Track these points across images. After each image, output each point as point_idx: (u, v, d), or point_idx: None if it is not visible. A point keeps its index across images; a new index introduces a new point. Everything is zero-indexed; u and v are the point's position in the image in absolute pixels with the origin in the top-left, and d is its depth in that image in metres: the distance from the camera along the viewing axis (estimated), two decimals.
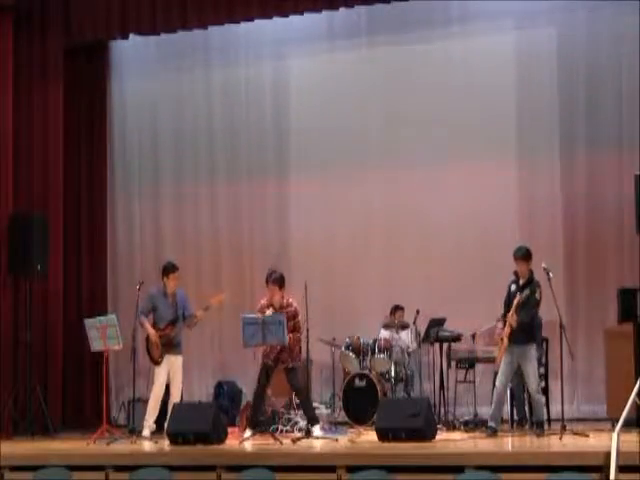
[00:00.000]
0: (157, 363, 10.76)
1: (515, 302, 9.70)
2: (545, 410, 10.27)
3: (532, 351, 9.82)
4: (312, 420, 10.25)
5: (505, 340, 9.72)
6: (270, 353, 10.25)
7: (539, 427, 9.75)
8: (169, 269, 10.90)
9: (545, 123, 12.29)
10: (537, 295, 9.81)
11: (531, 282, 9.85)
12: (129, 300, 11.49)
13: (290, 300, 10.32)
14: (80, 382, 12.98)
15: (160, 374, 10.76)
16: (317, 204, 13.02)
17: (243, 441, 9.76)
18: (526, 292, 9.76)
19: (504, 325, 9.81)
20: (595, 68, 12.10)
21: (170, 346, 10.74)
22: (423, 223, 12.65)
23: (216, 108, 13.62)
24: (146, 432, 10.65)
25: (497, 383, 9.87)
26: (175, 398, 10.76)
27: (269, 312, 10.13)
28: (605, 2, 11.87)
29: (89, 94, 13.56)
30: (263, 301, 10.35)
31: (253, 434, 10.06)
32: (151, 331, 10.72)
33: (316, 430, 10.14)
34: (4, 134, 12.25)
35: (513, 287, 9.96)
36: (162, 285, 10.90)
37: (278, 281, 10.24)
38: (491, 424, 9.86)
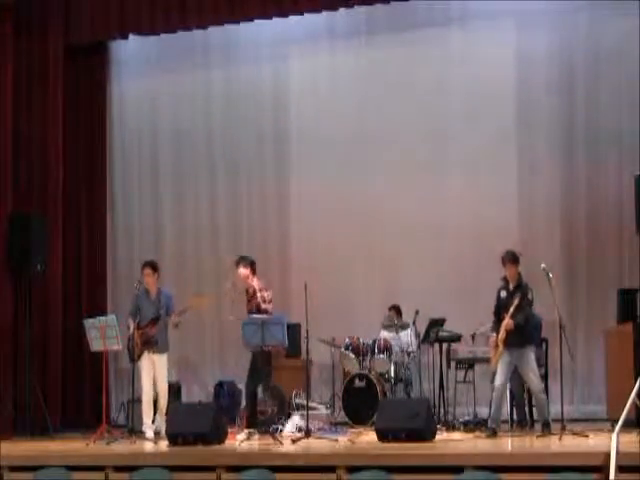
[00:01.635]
0: (133, 360, 10.76)
1: (512, 308, 9.68)
2: (546, 412, 10.22)
3: (530, 354, 9.82)
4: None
5: (501, 346, 9.74)
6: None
7: (546, 427, 9.74)
8: (143, 265, 11.01)
9: (545, 123, 12.30)
10: (529, 296, 9.84)
11: (520, 285, 9.86)
12: (129, 300, 11.48)
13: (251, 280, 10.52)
14: (80, 382, 12.98)
15: (144, 374, 10.77)
16: (317, 205, 13.02)
17: (241, 442, 9.75)
18: (517, 295, 9.78)
19: (497, 333, 9.84)
20: (595, 68, 12.11)
21: (149, 344, 10.72)
22: (423, 223, 12.64)
23: (216, 108, 13.63)
24: (149, 433, 10.67)
25: (496, 384, 9.86)
26: (162, 397, 10.78)
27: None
28: (605, 2, 11.88)
29: (89, 94, 13.55)
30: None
31: (249, 435, 10.07)
32: (132, 330, 10.72)
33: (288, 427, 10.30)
34: (4, 134, 12.26)
35: (503, 293, 9.94)
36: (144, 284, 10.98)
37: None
38: (491, 425, 9.86)
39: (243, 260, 10.63)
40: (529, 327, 9.92)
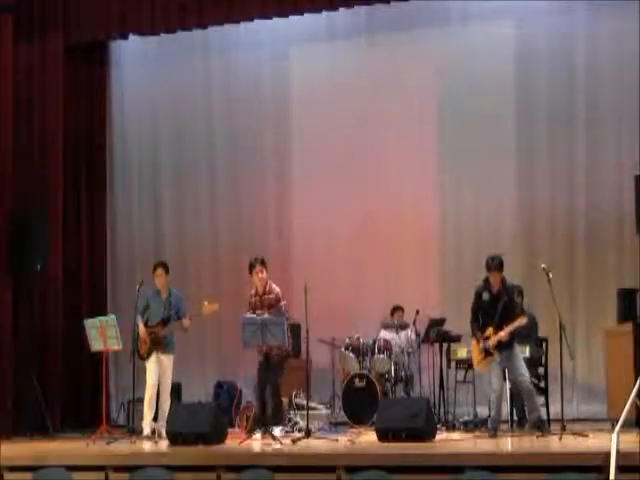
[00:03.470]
0: (142, 358, 10.79)
1: (511, 326, 9.73)
2: (539, 406, 10.21)
3: (514, 352, 9.88)
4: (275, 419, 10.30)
5: (496, 353, 9.81)
6: (260, 350, 10.31)
7: (540, 426, 9.74)
8: (154, 266, 11.03)
9: (545, 122, 12.30)
10: (516, 298, 9.88)
11: (505, 287, 9.89)
12: (129, 300, 11.48)
13: (273, 286, 10.48)
14: (80, 382, 12.95)
15: (151, 373, 10.77)
16: (317, 205, 13.02)
17: (242, 442, 9.73)
18: (504, 300, 9.82)
19: (477, 336, 9.88)
20: (595, 68, 12.11)
21: (158, 344, 10.74)
22: (423, 223, 12.67)
23: (216, 108, 13.63)
24: (147, 430, 10.66)
25: (495, 386, 9.85)
26: (164, 397, 10.78)
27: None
28: (605, 2, 11.88)
29: (89, 94, 13.53)
30: (252, 291, 10.55)
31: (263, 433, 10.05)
32: (141, 329, 10.75)
33: (276, 430, 10.13)
34: (5, 134, 12.25)
35: (485, 295, 9.95)
36: (155, 284, 10.97)
37: (250, 267, 10.50)
38: (491, 426, 9.88)
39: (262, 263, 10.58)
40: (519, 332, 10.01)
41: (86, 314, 11.93)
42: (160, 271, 10.93)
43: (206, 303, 10.72)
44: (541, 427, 9.74)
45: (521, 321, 9.77)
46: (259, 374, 10.49)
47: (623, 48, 11.80)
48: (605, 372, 10.87)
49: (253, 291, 10.59)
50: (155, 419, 10.79)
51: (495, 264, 9.85)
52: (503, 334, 9.74)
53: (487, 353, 9.86)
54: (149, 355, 10.76)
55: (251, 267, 10.55)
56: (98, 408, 11.05)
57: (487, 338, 9.83)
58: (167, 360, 10.82)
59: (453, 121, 12.52)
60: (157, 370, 10.77)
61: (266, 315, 10.19)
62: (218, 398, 12.41)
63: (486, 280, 9.97)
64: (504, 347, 9.82)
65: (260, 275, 10.49)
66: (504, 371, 9.95)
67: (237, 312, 10.73)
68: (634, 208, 10.60)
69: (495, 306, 9.85)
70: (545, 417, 10.26)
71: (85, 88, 13.50)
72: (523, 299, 10.45)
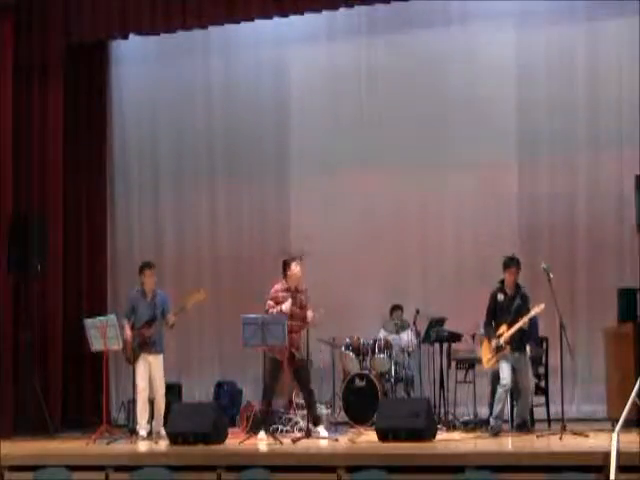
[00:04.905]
0: (129, 361, 10.78)
1: (520, 322, 9.82)
2: (528, 412, 10.27)
3: (526, 358, 10.02)
4: (316, 419, 10.24)
5: (507, 347, 9.85)
6: (282, 350, 10.13)
7: (524, 426, 9.95)
8: (143, 266, 10.99)
9: (545, 123, 12.30)
10: (528, 302, 9.99)
11: (520, 291, 10.01)
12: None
13: (305, 286, 10.35)
14: (80, 382, 12.97)
15: (140, 374, 10.73)
16: (317, 204, 13.02)
17: (242, 442, 9.73)
18: (517, 302, 9.94)
19: (490, 335, 9.93)
20: (595, 68, 12.11)
21: (145, 345, 10.72)
22: (423, 223, 12.67)
23: (216, 107, 13.62)
24: (142, 432, 10.66)
25: (505, 382, 9.87)
26: (159, 397, 10.78)
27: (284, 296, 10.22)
28: (605, 2, 11.88)
29: (89, 93, 13.53)
30: (277, 286, 10.33)
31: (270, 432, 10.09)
32: (126, 333, 10.72)
33: (321, 430, 10.13)
34: (4, 134, 12.24)
35: (500, 297, 10.06)
36: (140, 285, 10.94)
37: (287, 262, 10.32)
38: (496, 423, 9.91)
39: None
40: (526, 332, 10.03)
41: (86, 314, 11.93)
42: (150, 271, 10.90)
43: (187, 295, 10.71)
44: (524, 428, 9.94)
45: (537, 310, 9.83)
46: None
47: (623, 48, 11.81)
48: (605, 372, 10.87)
49: (280, 285, 10.33)
50: (152, 419, 10.78)
51: (513, 263, 10.00)
52: (522, 322, 9.81)
53: (498, 349, 9.89)
54: (135, 358, 10.73)
55: (289, 262, 10.32)
56: (98, 408, 11.06)
57: (500, 335, 9.88)
58: (156, 360, 10.78)
59: (453, 121, 12.52)
60: (146, 372, 10.73)
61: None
62: (218, 398, 12.41)
63: (501, 282, 10.08)
64: (516, 347, 9.89)
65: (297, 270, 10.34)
66: (514, 370, 9.97)
67: (237, 312, 10.72)
68: (634, 208, 10.60)
69: (509, 306, 9.97)
70: (529, 419, 10.30)
71: (85, 88, 13.51)
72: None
